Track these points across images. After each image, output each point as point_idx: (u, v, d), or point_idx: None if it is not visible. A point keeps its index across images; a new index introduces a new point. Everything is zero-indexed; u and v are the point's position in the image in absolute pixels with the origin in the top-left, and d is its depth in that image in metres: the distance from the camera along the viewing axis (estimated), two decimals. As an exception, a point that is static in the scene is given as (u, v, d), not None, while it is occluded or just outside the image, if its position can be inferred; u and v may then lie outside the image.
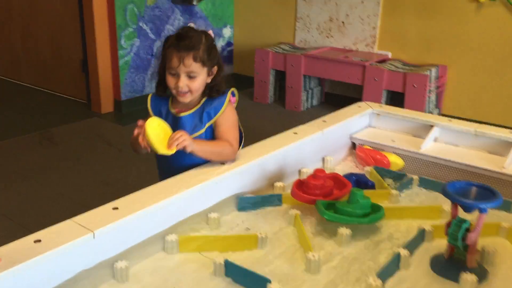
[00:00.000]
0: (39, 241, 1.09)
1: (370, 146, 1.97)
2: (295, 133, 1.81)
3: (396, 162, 1.89)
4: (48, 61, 4.32)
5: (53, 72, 4.32)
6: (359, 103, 2.20)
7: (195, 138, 1.49)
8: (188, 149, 1.41)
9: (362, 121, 2.11)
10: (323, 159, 1.88)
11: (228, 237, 1.35)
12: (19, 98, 4.29)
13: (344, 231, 1.36)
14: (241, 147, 1.58)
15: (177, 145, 1.38)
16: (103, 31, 3.75)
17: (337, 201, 1.47)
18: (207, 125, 1.52)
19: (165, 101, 1.57)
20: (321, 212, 1.40)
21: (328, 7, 4.07)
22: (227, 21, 4.58)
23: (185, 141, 1.39)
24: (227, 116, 1.53)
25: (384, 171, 1.79)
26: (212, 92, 1.53)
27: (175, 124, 1.52)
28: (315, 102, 4.24)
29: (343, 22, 4.05)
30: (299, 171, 1.76)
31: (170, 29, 4.11)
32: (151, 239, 1.30)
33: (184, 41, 1.43)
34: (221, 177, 1.47)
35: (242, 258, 1.27)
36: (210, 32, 1.52)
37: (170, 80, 1.47)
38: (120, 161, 3.12)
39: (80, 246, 1.12)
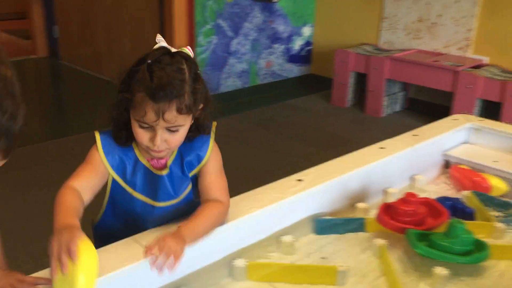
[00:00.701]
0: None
1: (467, 166, 1.73)
2: (382, 147, 1.61)
3: (498, 186, 1.63)
4: (127, 57, 4.37)
5: (132, 67, 4.36)
6: (455, 116, 1.95)
7: (182, 200, 1.14)
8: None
9: (457, 137, 1.86)
10: (412, 178, 1.66)
11: (303, 267, 1.19)
12: (100, 92, 4.37)
13: (441, 270, 1.15)
14: None
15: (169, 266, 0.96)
16: (182, 28, 3.71)
17: (431, 232, 1.26)
18: (191, 174, 1.15)
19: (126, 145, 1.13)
20: (413, 245, 1.20)
21: (418, 6, 3.78)
22: (307, 20, 4.40)
23: (177, 252, 0.96)
24: (213, 161, 1.15)
25: (485, 197, 1.54)
26: (195, 133, 1.13)
27: (155, 183, 1.11)
28: (397, 108, 3.96)
29: (434, 23, 3.73)
30: (384, 191, 1.56)
31: (248, 26, 4.00)
32: (217, 263, 1.16)
33: (164, 90, 0.97)
34: (297, 196, 1.31)
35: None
36: (187, 49, 1.09)
37: (141, 134, 1.03)
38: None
39: (142, 268, 1.00)
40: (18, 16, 6.49)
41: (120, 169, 1.10)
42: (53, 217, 0.96)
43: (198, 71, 1.05)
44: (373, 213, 1.38)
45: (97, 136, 1.10)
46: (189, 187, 1.15)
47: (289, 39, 4.36)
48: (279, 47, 4.32)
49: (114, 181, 1.10)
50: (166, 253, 0.93)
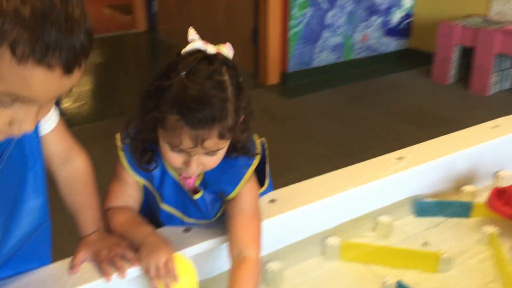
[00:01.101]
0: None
1: None
2: (495, 126, 1.46)
3: None
4: (221, 31, 4.40)
5: (225, 41, 4.38)
6: None
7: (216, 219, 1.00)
8: None
9: None
10: (528, 162, 1.49)
11: (402, 250, 1.11)
12: (193, 65, 4.46)
13: (563, 266, 1.02)
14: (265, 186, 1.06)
15: None
16: (276, 0, 3.64)
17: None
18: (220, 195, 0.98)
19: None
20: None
21: (538, -28, 3.39)
22: (408, -10, 4.14)
23: None
24: (246, 199, 0.95)
25: None
26: (231, 153, 0.93)
27: (186, 202, 0.97)
28: (507, 86, 3.62)
29: (555, -9, 3.34)
30: (495, 175, 1.42)
31: (344, -2, 3.84)
32: (309, 240, 1.12)
33: (203, 114, 0.79)
34: (398, 175, 1.22)
35: (418, 281, 1.03)
36: (226, 47, 0.88)
37: (173, 158, 0.87)
38: (282, 135, 3.02)
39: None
40: (120, -8, 6.80)
41: (147, 177, 0.96)
42: (124, 234, 0.94)
43: (240, 78, 0.87)
44: (481, 198, 1.26)
45: (121, 154, 0.95)
46: (223, 207, 0.99)
47: (387, 11, 4.13)
48: (376, 20, 4.11)
49: (145, 187, 0.99)
50: None
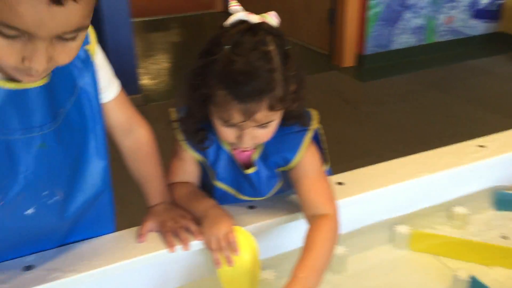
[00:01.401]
0: (252, 207, 0.98)
1: None
2: None
3: None
4: (297, 11, 4.34)
5: (301, 21, 4.32)
6: None
7: (272, 195, 0.98)
8: None
9: None
10: None
11: (477, 244, 1.04)
12: (268, 46, 4.45)
13: None
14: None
15: None
16: (356, -21, 3.53)
17: None
18: (278, 169, 0.95)
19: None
20: None
21: None
22: (501, -31, 3.85)
23: None
24: (308, 164, 0.92)
25: None
26: (288, 121, 0.90)
27: (239, 178, 0.95)
28: None
29: None
30: None
31: (429, -23, 3.64)
32: (376, 226, 1.08)
33: (251, 86, 0.77)
34: (477, 164, 1.14)
35: (495, 278, 0.96)
36: (271, 16, 0.85)
37: (225, 133, 0.85)
38: (355, 119, 2.94)
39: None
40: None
41: (203, 153, 0.95)
42: (186, 207, 0.95)
43: (287, 47, 0.83)
44: None
45: (177, 131, 0.94)
46: (279, 184, 0.97)
47: (476, -9, 3.87)
48: (463, 1, 3.87)
49: (201, 164, 0.98)
50: None
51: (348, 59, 3.77)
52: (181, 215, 0.93)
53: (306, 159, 0.91)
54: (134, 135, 0.94)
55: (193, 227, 0.91)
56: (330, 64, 3.84)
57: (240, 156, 0.95)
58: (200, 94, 0.83)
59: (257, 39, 0.79)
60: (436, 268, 1.00)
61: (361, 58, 3.73)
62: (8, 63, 0.62)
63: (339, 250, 0.99)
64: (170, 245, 0.89)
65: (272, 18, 0.85)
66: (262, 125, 0.84)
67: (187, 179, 1.00)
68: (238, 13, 0.82)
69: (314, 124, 0.93)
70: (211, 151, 0.94)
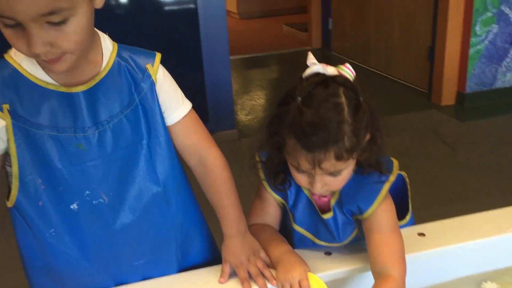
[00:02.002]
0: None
1: None
2: None
3: None
4: (395, 48, 4.29)
5: (399, 59, 4.26)
6: None
7: (349, 242, 0.99)
8: None
9: None
10: None
11: None
12: (365, 81, 4.42)
13: None
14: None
15: None
16: (457, 16, 3.42)
17: None
18: (354, 217, 0.96)
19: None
20: None
21: None
22: None
23: None
24: (383, 217, 0.92)
25: None
26: (366, 168, 0.92)
27: (317, 223, 0.98)
28: None
29: None
30: None
31: (540, 12, 3.43)
32: (462, 280, 1.03)
33: (318, 137, 0.80)
34: None
35: None
36: (346, 67, 0.88)
37: (299, 178, 0.90)
38: (451, 161, 2.81)
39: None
40: (299, 11, 7.08)
41: (283, 196, 1.00)
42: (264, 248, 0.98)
43: (360, 98, 0.85)
44: None
45: (261, 172, 1.00)
46: (355, 231, 0.98)
47: None
48: None
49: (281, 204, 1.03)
50: None
51: (448, 97, 3.63)
52: (256, 252, 0.96)
53: (380, 212, 0.91)
54: (202, 161, 0.95)
55: (267, 273, 0.93)
56: (429, 102, 3.73)
57: (319, 201, 0.97)
58: (275, 141, 0.88)
59: (329, 91, 0.83)
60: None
61: (461, 96, 3.58)
62: (22, 51, 0.72)
63: (419, 304, 0.96)
64: None
65: (347, 71, 0.88)
66: (332, 173, 0.86)
67: (267, 220, 1.03)
68: (315, 66, 0.86)
69: (394, 174, 0.93)
70: (291, 194, 0.98)
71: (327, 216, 0.95)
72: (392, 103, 3.79)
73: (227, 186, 0.96)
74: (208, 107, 3.15)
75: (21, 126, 0.79)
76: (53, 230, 0.85)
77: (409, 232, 1.02)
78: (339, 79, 0.85)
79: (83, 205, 0.85)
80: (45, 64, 0.75)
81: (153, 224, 0.91)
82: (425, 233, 1.04)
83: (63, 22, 0.70)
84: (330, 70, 0.86)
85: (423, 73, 3.93)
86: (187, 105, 0.93)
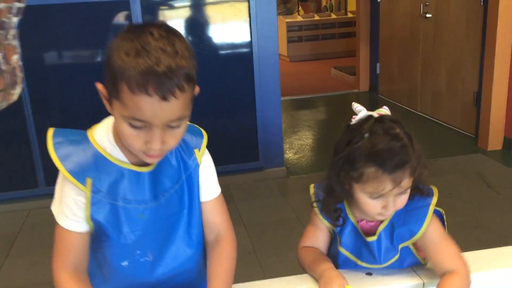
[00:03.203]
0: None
1: None
2: None
3: None
4: (442, 93, 4.38)
5: (446, 103, 4.35)
6: None
7: (387, 267, 1.12)
8: None
9: None
10: None
11: None
12: (412, 125, 4.48)
13: None
14: None
15: None
16: (503, 62, 3.51)
17: None
18: (401, 245, 1.10)
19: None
20: None
21: None
22: None
23: None
24: (433, 232, 1.07)
25: None
26: (415, 192, 1.07)
27: (360, 245, 1.11)
28: None
29: None
30: None
31: None
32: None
33: (394, 159, 0.97)
34: None
35: None
36: (385, 109, 1.07)
37: (371, 204, 1.03)
38: (497, 205, 2.85)
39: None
40: (347, 55, 7.29)
41: (332, 223, 1.13)
42: (308, 269, 1.12)
43: (406, 129, 1.03)
44: None
45: (315, 204, 1.14)
46: (396, 257, 1.10)
47: None
48: None
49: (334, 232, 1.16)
50: None
51: (495, 142, 3.67)
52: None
53: (431, 229, 1.07)
54: (219, 237, 1.06)
55: None
56: (475, 147, 3.78)
57: (366, 226, 1.12)
58: (347, 176, 1.03)
59: (385, 126, 1.01)
60: None
61: (508, 141, 3.62)
62: (136, 147, 0.87)
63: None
64: None
65: (386, 111, 1.07)
66: (402, 192, 1.02)
67: (317, 244, 1.18)
68: (363, 111, 1.05)
69: (435, 197, 1.08)
70: (339, 221, 1.13)
71: (372, 239, 1.09)
72: (439, 147, 3.86)
73: (230, 264, 1.05)
74: (259, 145, 3.34)
75: (98, 198, 0.94)
76: (101, 273, 1.03)
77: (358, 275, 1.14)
78: (387, 117, 1.04)
79: (132, 262, 1.01)
80: (144, 156, 0.89)
81: (182, 278, 1.07)
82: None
83: (178, 126, 0.86)
84: (374, 113, 1.05)
85: (470, 118, 4.00)
86: (218, 188, 1.07)
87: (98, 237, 0.98)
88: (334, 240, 1.18)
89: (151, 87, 0.79)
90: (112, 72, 0.82)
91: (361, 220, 1.11)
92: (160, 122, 0.83)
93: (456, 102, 4.20)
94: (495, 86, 3.57)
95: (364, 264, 1.13)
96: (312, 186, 1.17)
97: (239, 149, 3.35)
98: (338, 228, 1.13)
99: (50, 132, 0.96)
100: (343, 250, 1.14)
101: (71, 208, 0.94)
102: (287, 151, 3.94)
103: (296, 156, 3.88)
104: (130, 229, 0.97)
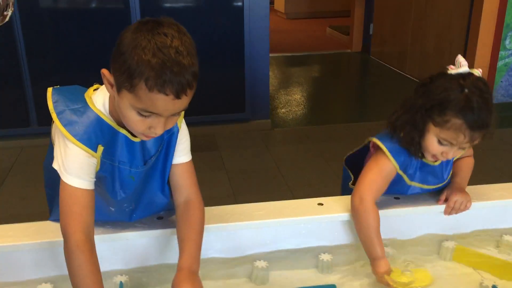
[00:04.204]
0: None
1: None
2: None
3: None
4: (430, 55, 4.46)
5: (433, 65, 4.43)
6: None
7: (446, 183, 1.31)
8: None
9: None
10: None
11: (509, 264, 1.20)
12: (399, 87, 4.60)
13: None
14: None
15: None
16: (488, 30, 3.59)
17: None
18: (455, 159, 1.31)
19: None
20: None
21: None
22: None
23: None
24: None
25: None
26: None
27: (429, 172, 1.29)
28: None
29: None
30: None
31: None
32: (426, 238, 1.29)
33: (480, 119, 1.09)
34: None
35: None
36: (479, 70, 1.17)
37: (436, 147, 1.16)
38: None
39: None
40: (343, 14, 7.29)
41: (404, 166, 1.24)
42: (367, 239, 1.19)
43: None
44: None
45: (381, 145, 1.23)
46: (451, 173, 1.32)
47: None
48: None
49: (397, 174, 1.25)
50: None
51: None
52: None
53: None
54: (187, 200, 1.14)
55: None
56: (455, 110, 3.89)
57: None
58: (430, 118, 1.15)
59: (482, 88, 1.11)
60: (469, 277, 1.18)
61: (487, 106, 3.74)
62: (138, 130, 0.97)
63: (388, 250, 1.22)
64: None
65: (480, 73, 1.17)
66: (465, 148, 1.16)
67: (382, 192, 1.25)
68: (465, 67, 1.16)
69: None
70: (411, 166, 1.25)
71: (438, 163, 1.26)
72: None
73: (200, 227, 1.12)
74: (246, 97, 3.45)
75: (104, 160, 1.04)
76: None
77: (387, 198, 1.29)
78: (483, 80, 1.14)
79: (118, 209, 1.15)
80: (143, 136, 0.99)
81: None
82: (399, 197, 1.30)
83: (178, 113, 0.97)
84: (475, 71, 1.16)
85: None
86: (190, 155, 1.17)
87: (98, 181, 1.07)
88: (396, 180, 1.26)
89: (168, 88, 0.88)
90: (129, 67, 0.89)
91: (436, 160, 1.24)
92: (169, 114, 0.94)
93: (443, 64, 4.26)
94: (478, 52, 3.66)
95: (432, 187, 1.30)
96: (371, 139, 1.27)
97: (226, 100, 3.46)
98: (410, 170, 1.25)
99: (49, 95, 1.03)
100: (416, 184, 1.28)
101: (83, 168, 1.00)
102: (273, 105, 4.05)
103: (282, 110, 3.99)
104: (122, 187, 1.09)
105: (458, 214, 1.28)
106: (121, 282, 1.11)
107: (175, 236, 1.12)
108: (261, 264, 1.17)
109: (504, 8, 3.48)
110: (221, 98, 3.43)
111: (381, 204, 1.25)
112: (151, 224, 1.19)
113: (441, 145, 1.15)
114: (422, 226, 1.29)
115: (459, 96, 1.10)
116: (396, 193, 1.31)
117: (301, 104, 4.16)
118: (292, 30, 7.21)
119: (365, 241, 1.19)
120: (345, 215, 1.24)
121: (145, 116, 0.93)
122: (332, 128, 3.57)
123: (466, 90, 1.10)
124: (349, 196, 1.24)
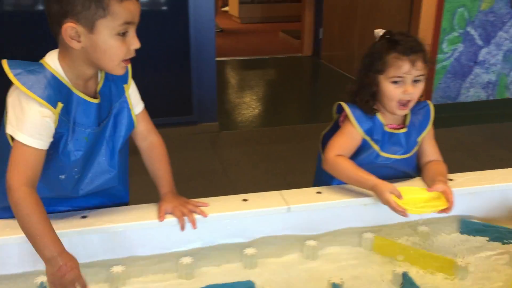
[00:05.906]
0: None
1: None
2: None
3: None
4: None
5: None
6: None
7: (411, 156, 1.45)
8: None
9: None
10: None
11: (423, 252, 1.27)
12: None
13: None
14: None
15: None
16: (426, 34, 3.73)
17: None
18: (419, 139, 1.45)
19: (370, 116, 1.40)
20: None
21: None
22: None
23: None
24: (432, 132, 1.48)
25: None
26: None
27: (393, 141, 1.41)
28: None
29: None
30: None
31: (503, 36, 3.76)
32: (349, 231, 1.35)
33: (408, 43, 1.30)
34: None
35: (430, 281, 1.19)
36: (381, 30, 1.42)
37: (393, 90, 1.33)
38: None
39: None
40: (295, 19, 7.41)
41: (369, 133, 1.39)
42: (355, 177, 1.32)
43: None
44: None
45: (347, 108, 1.41)
46: (415, 148, 1.44)
47: (555, 52, 3.90)
48: (540, 60, 3.91)
49: (364, 140, 1.40)
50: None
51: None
52: (185, 201, 1.25)
53: (431, 129, 1.48)
54: (150, 140, 1.30)
55: (198, 210, 1.25)
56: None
57: (393, 127, 1.41)
58: (375, 70, 1.34)
59: (399, 31, 1.38)
60: (384, 265, 1.25)
61: (428, 107, 3.89)
62: (120, 56, 1.07)
63: (311, 243, 1.27)
64: (182, 227, 1.22)
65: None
66: (416, 81, 1.31)
67: (347, 154, 1.38)
68: (380, 31, 1.41)
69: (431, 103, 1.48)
70: (375, 132, 1.39)
71: (401, 131, 1.40)
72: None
73: (166, 160, 1.32)
74: (193, 100, 3.47)
75: (62, 118, 1.08)
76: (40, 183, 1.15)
77: (310, 191, 1.35)
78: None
79: (68, 175, 1.16)
80: (122, 68, 1.10)
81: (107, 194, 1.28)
82: (322, 191, 1.35)
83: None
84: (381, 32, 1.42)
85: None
86: (143, 104, 1.29)
87: (47, 150, 1.10)
88: (364, 147, 1.40)
89: None
90: None
91: (390, 125, 1.41)
92: (137, 20, 1.07)
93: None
94: (420, 55, 3.81)
95: (398, 157, 1.41)
96: (336, 104, 1.49)
97: (173, 102, 3.46)
98: (375, 137, 1.39)
99: (5, 63, 1.05)
100: (384, 154, 1.40)
101: (36, 127, 1.05)
102: (223, 108, 4.08)
103: (231, 112, 4.03)
104: (75, 148, 1.13)
105: (377, 209, 1.34)
106: (41, 282, 1.10)
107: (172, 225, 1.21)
108: (186, 260, 1.20)
109: (441, 13, 3.64)
110: (168, 101, 3.44)
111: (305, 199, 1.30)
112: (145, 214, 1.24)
113: (396, 84, 1.31)
114: (344, 220, 1.35)
115: (385, 40, 1.35)
116: (366, 163, 1.38)
117: (251, 107, 4.21)
118: (246, 34, 7.27)
119: (354, 178, 1.32)
120: (269, 210, 1.28)
121: (124, 35, 1.05)
122: (280, 130, 3.63)
123: (388, 36, 1.35)
124: (273, 192, 1.29)
